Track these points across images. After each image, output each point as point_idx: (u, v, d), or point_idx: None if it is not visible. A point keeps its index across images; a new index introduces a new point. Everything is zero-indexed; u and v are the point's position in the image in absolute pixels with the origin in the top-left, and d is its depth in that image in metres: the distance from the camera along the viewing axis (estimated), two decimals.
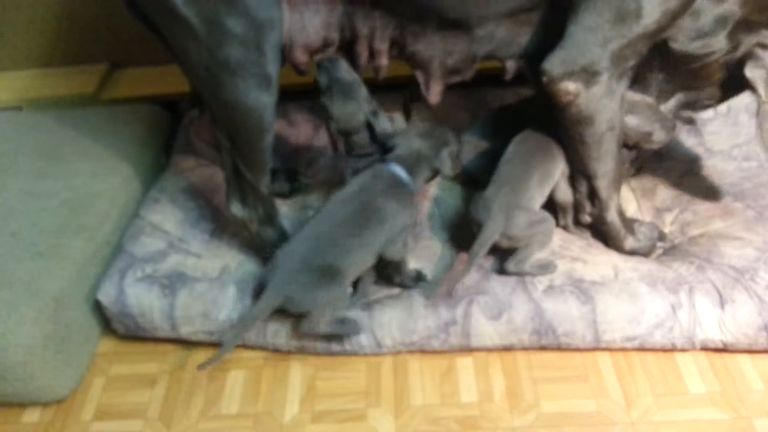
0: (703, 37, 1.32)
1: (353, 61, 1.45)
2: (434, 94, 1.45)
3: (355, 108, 1.47)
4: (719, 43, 1.32)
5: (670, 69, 1.41)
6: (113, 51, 2.13)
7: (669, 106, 1.48)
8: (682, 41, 1.32)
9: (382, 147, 1.48)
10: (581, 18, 1.24)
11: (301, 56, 1.39)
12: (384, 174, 1.42)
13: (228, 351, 1.37)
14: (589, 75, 1.27)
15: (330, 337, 1.41)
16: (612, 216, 1.49)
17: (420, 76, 1.44)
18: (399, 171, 1.42)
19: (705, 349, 1.40)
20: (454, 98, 1.92)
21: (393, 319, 1.40)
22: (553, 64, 1.27)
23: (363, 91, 1.48)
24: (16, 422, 1.40)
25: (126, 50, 2.12)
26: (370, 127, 1.49)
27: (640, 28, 1.23)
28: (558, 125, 1.40)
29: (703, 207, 1.58)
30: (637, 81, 1.44)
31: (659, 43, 1.33)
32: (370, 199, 1.38)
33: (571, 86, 1.28)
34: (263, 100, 1.26)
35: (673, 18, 1.25)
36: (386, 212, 1.38)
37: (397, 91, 1.87)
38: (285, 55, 1.38)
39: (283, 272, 1.33)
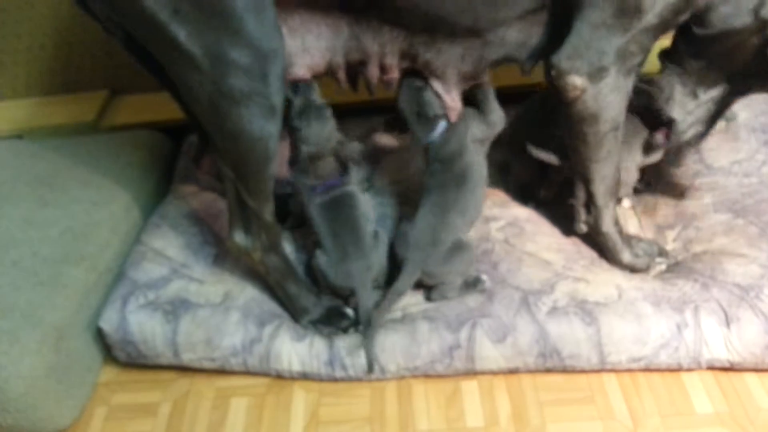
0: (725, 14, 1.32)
1: (353, 82, 1.46)
2: (454, 100, 1.48)
3: (330, 132, 1.49)
4: (742, 19, 1.31)
5: (703, 52, 1.40)
6: (113, 78, 2.13)
7: (713, 95, 1.46)
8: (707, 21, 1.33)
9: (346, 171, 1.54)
10: (585, 15, 1.26)
11: (302, 76, 1.40)
12: (435, 143, 1.51)
13: (374, 334, 1.39)
14: (595, 70, 1.29)
15: (332, 363, 1.40)
16: (607, 226, 1.49)
17: (437, 85, 1.45)
18: (436, 130, 1.50)
19: (711, 368, 1.39)
20: None
21: (396, 343, 1.39)
22: (561, 58, 1.29)
23: (332, 118, 1.51)
24: None
25: (126, 77, 2.12)
26: (338, 153, 1.53)
27: (642, 22, 1.25)
28: (563, 124, 1.42)
29: (706, 224, 1.57)
30: (677, 64, 1.46)
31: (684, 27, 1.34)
32: (451, 161, 1.48)
33: (578, 81, 1.30)
34: (268, 129, 1.26)
35: (675, 11, 1.27)
36: (474, 165, 1.49)
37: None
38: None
39: (418, 248, 1.42)
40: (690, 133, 1.51)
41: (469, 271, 1.47)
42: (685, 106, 1.47)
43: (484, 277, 1.48)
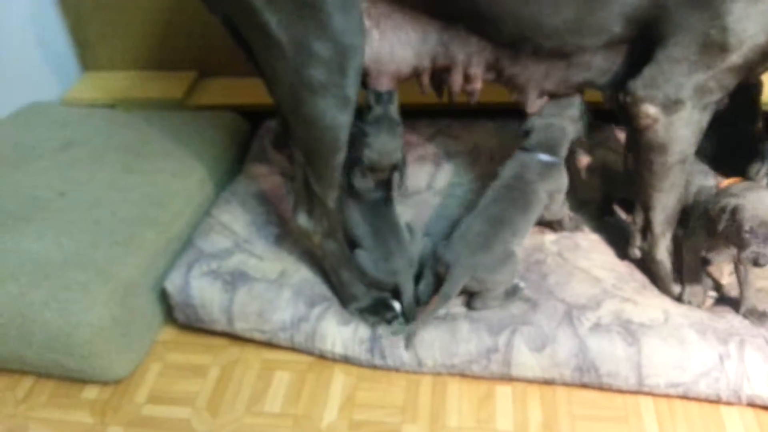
0: None
1: (438, 88, 1.51)
2: (532, 105, 1.52)
3: (395, 149, 1.53)
4: None
5: None
6: (203, 60, 2.25)
7: None
8: None
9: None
10: (669, 49, 1.26)
11: (387, 84, 1.47)
12: (531, 163, 1.54)
13: (418, 330, 1.43)
14: (671, 102, 1.29)
15: (373, 350, 1.46)
16: (662, 254, 1.48)
17: (516, 96, 1.50)
18: (543, 157, 1.54)
19: (752, 405, 1.37)
20: (488, 128, 1.98)
21: (436, 339, 1.43)
22: (638, 85, 1.31)
23: (402, 138, 1.55)
24: (76, 397, 1.50)
25: (214, 61, 2.23)
26: (393, 172, 1.56)
27: (726, 62, 1.25)
28: (632, 149, 1.43)
29: None
30: None
31: None
32: (526, 186, 1.52)
33: (651, 110, 1.31)
34: (340, 119, 1.32)
35: (763, 54, 1.25)
36: (542, 193, 1.53)
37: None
38: (369, 81, 1.46)
39: (469, 254, 1.44)
40: None
41: (512, 280, 1.49)
42: None
43: (522, 284, 1.50)
